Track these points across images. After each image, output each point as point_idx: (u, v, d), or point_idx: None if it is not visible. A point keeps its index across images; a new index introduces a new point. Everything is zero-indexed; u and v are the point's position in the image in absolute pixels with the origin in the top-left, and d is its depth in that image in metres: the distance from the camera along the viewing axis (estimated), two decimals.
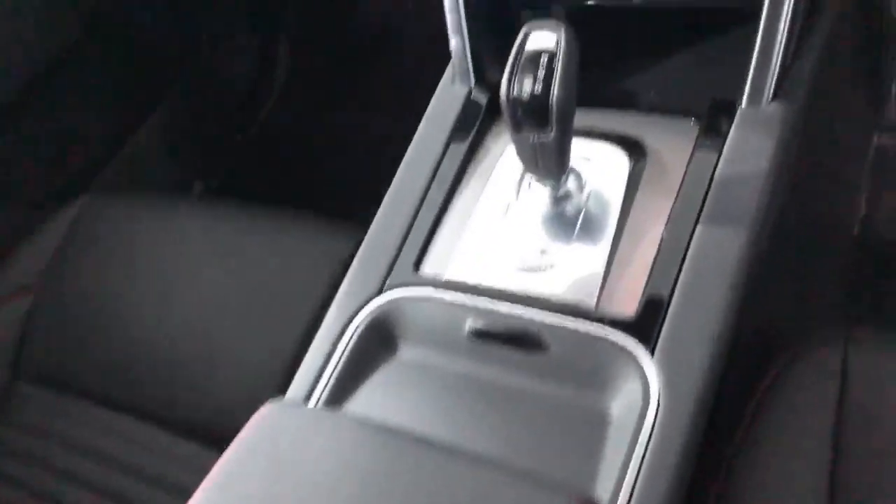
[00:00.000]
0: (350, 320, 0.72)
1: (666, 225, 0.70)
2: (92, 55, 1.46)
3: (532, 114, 0.60)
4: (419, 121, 0.86)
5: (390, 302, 0.72)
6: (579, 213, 0.73)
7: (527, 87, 0.59)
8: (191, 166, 1.74)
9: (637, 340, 0.64)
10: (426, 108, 0.87)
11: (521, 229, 0.74)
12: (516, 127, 0.62)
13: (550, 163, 0.65)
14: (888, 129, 1.41)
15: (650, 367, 0.63)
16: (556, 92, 0.59)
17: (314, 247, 1.03)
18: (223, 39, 1.77)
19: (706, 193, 0.70)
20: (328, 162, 1.72)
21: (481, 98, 0.85)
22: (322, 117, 1.81)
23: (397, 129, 0.87)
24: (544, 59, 0.60)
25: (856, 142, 1.31)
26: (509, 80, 0.60)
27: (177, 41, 1.65)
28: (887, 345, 0.79)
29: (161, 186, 1.65)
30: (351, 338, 0.71)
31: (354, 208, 0.89)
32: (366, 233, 0.78)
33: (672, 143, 0.76)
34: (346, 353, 0.70)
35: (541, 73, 0.59)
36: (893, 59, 1.37)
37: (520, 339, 0.67)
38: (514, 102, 0.60)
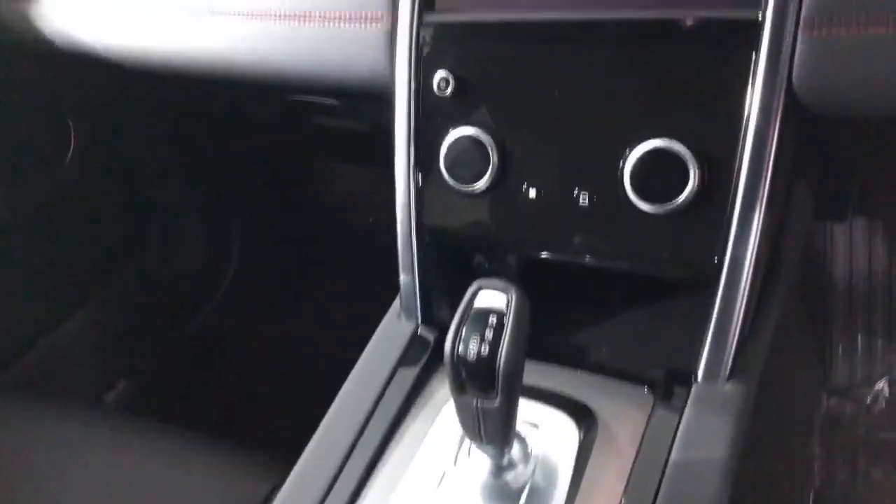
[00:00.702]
0: None
1: None
2: (30, 241, 1.39)
3: (476, 376, 0.55)
4: (361, 350, 0.80)
5: None
6: (524, 486, 0.65)
7: (473, 347, 0.54)
8: (117, 363, 1.62)
9: None
10: (370, 336, 0.82)
11: None
12: (459, 388, 0.56)
13: (494, 430, 0.59)
14: (836, 393, 1.40)
15: None
16: (503, 356, 0.54)
17: (224, 490, 0.91)
18: (173, 234, 1.73)
19: (661, 479, 0.64)
20: (261, 379, 1.63)
21: (428, 336, 0.80)
22: (261, 329, 1.74)
23: (337, 357, 0.81)
24: (493, 320, 0.55)
25: (805, 407, 1.29)
26: (455, 337, 0.55)
27: (124, 230, 1.60)
28: None
29: (80, 383, 1.52)
30: None
31: (281, 440, 0.80)
32: (287, 474, 0.69)
33: (624, 412, 0.71)
34: None
35: (489, 333, 0.55)
36: (837, 322, 1.40)
37: None
38: (459, 361, 0.55)
